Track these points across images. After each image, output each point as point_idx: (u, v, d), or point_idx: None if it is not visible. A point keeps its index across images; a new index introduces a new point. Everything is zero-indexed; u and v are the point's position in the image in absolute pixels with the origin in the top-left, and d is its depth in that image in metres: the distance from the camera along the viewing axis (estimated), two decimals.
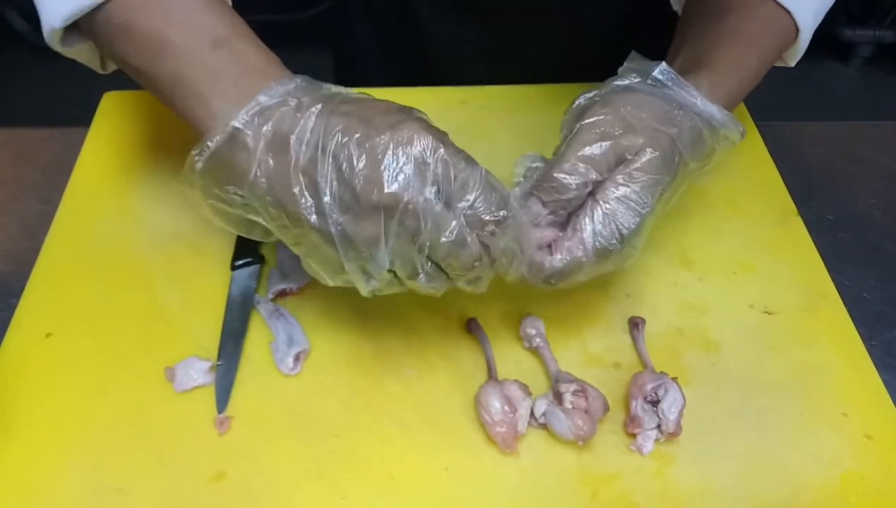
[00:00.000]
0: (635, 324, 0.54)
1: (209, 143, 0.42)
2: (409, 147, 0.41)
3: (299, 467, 0.47)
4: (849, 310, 0.56)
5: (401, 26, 0.79)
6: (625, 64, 0.52)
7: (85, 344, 0.52)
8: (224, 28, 0.44)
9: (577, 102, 0.50)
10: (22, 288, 0.55)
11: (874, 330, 0.57)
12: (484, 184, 0.42)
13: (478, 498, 0.46)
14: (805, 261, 0.59)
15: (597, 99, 0.49)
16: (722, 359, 0.53)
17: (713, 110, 0.49)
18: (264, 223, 0.45)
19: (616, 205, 0.46)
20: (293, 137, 0.41)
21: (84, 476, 0.46)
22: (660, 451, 0.48)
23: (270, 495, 0.46)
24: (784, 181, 0.65)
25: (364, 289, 0.45)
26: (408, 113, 0.43)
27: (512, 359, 0.53)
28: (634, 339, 0.54)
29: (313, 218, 0.41)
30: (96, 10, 0.44)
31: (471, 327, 0.53)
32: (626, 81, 0.49)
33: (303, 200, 0.41)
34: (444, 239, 0.41)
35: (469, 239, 0.42)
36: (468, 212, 0.42)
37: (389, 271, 0.44)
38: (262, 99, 0.42)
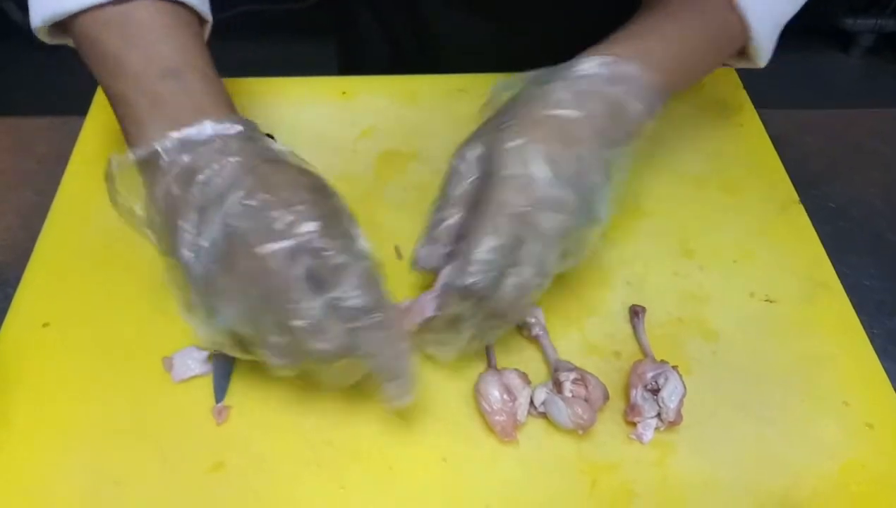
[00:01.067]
0: (635, 313, 0.54)
1: (129, 155, 0.44)
2: (297, 226, 0.41)
3: (298, 457, 0.47)
4: (850, 299, 0.56)
5: (405, 16, 0.79)
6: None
7: (82, 335, 0.52)
8: (179, 59, 0.46)
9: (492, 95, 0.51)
10: (19, 279, 0.55)
11: (875, 318, 0.57)
12: (360, 277, 0.42)
13: (476, 488, 0.46)
14: (806, 250, 0.59)
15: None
16: (722, 348, 0.53)
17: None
18: (151, 240, 0.45)
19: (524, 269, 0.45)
20: (201, 176, 0.42)
21: (82, 467, 0.46)
22: (660, 440, 0.48)
23: (269, 485, 0.46)
24: (785, 169, 0.65)
25: (199, 333, 0.45)
26: (317, 193, 0.44)
27: (513, 348, 0.52)
28: (634, 328, 0.53)
29: (185, 253, 0.42)
30: (73, 17, 0.45)
31: None
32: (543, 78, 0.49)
33: (185, 234, 0.42)
34: (297, 322, 0.41)
35: (330, 328, 0.41)
36: (338, 304, 0.41)
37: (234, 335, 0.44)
38: (191, 132, 0.43)
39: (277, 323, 0.41)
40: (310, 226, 0.41)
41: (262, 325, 0.42)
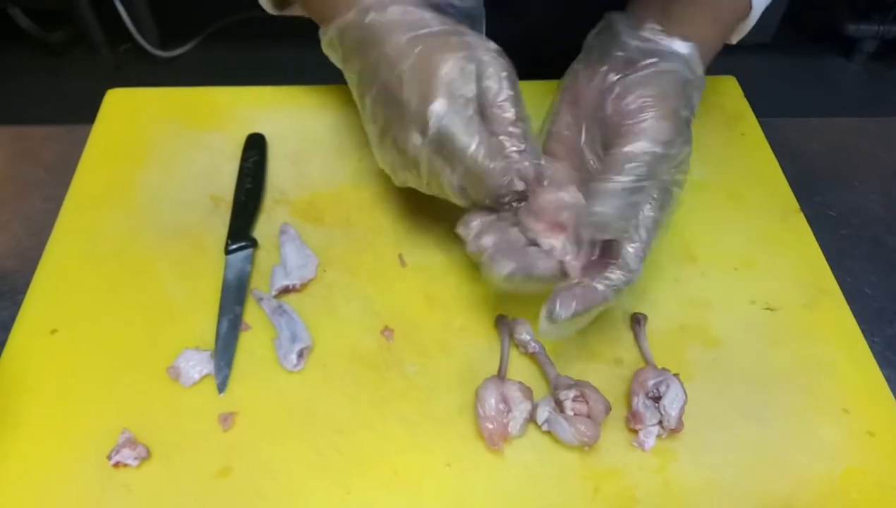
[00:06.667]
0: (637, 320, 0.54)
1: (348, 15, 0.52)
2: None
3: (303, 462, 0.47)
4: (850, 306, 0.56)
5: None
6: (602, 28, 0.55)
7: (90, 341, 0.52)
8: None
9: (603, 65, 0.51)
10: (27, 285, 0.55)
11: (876, 326, 0.57)
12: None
13: (480, 494, 0.46)
14: (807, 257, 0.59)
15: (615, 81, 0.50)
16: (723, 355, 0.53)
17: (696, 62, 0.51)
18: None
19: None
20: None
21: (90, 472, 0.46)
22: (661, 447, 0.48)
23: (275, 490, 0.46)
24: (786, 176, 0.65)
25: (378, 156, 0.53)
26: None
27: (526, 359, 0.53)
28: (636, 335, 0.54)
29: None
30: None
31: (498, 323, 0.53)
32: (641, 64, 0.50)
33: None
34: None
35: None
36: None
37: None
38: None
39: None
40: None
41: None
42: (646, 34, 0.51)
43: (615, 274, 0.46)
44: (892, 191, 0.69)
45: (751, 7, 0.55)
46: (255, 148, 0.64)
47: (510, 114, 0.49)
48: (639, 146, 0.46)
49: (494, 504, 0.46)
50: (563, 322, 0.45)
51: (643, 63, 0.50)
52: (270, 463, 0.47)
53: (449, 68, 0.47)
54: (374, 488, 0.46)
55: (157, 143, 0.66)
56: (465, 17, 0.54)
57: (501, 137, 0.48)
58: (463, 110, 0.47)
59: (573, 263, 0.47)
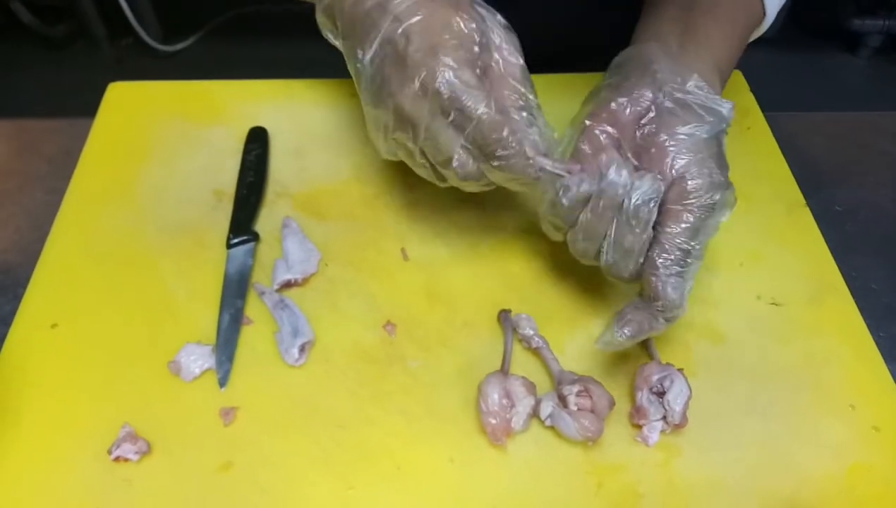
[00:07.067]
0: None
1: None
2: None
3: (306, 457, 0.47)
4: (856, 302, 0.56)
5: None
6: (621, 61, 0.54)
7: (91, 335, 0.52)
8: None
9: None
10: (28, 279, 0.55)
11: (882, 321, 0.57)
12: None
13: (483, 489, 0.46)
14: (813, 252, 0.59)
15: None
16: (728, 351, 0.53)
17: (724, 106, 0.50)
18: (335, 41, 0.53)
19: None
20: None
21: (91, 467, 0.46)
22: (666, 442, 0.48)
23: (277, 484, 0.46)
24: (792, 171, 0.65)
25: (377, 145, 0.52)
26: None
27: (529, 354, 0.53)
28: None
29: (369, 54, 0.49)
30: None
31: (502, 318, 0.53)
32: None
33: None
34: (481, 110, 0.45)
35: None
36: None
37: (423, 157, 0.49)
38: None
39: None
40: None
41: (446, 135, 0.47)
42: (690, 86, 0.50)
43: (672, 314, 0.47)
44: None
45: (764, 15, 0.56)
46: (257, 141, 0.64)
47: (520, 85, 0.48)
48: (689, 226, 0.47)
49: (497, 500, 0.46)
50: (623, 341, 0.47)
51: (687, 129, 0.49)
52: (272, 458, 0.47)
53: (459, 27, 0.47)
54: (376, 483, 0.46)
55: (158, 137, 0.65)
56: None
57: (510, 109, 0.47)
58: (471, 67, 0.46)
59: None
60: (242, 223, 0.58)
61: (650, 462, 0.47)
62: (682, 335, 0.54)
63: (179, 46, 2.12)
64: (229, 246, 0.57)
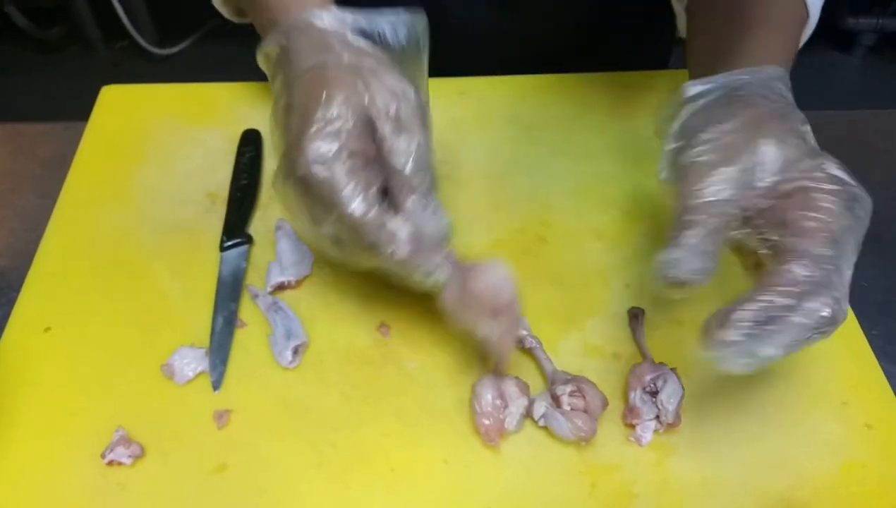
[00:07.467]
0: (635, 315, 0.54)
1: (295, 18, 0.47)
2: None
3: (300, 459, 0.47)
4: (849, 300, 0.56)
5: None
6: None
7: (84, 339, 0.52)
8: None
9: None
10: (21, 283, 0.55)
11: (875, 319, 0.57)
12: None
13: (477, 489, 0.46)
14: None
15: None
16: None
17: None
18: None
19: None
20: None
21: (86, 470, 0.46)
22: (659, 442, 0.48)
23: (272, 486, 0.46)
24: None
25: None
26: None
27: (523, 355, 0.53)
28: (633, 330, 0.53)
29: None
30: None
31: None
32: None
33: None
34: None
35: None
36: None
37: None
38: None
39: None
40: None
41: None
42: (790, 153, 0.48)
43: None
44: (891, 184, 0.68)
45: (808, 16, 0.55)
46: (251, 144, 0.64)
47: (401, 163, 0.44)
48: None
49: (491, 500, 0.46)
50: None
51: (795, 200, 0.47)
52: (266, 461, 0.47)
53: (334, 103, 0.43)
54: (371, 484, 0.46)
55: (152, 140, 0.65)
56: (401, 49, 0.49)
57: (395, 190, 0.44)
58: (338, 152, 0.42)
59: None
60: (236, 225, 0.58)
61: (644, 462, 0.47)
62: (675, 334, 0.54)
63: (174, 50, 2.12)
64: (223, 248, 0.57)
